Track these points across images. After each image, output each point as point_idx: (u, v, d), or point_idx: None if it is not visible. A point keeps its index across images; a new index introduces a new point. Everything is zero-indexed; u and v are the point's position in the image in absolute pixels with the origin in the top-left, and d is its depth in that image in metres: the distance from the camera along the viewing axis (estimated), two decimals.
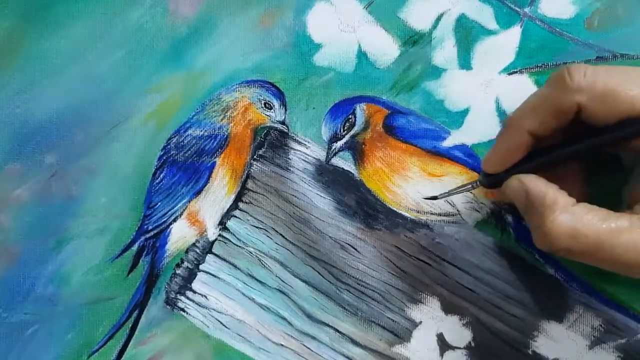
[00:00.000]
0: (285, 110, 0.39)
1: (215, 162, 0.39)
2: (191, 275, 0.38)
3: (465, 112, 0.38)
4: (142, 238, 0.39)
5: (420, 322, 0.36)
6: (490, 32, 0.39)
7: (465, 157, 0.38)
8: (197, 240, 0.39)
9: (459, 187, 0.35)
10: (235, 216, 0.39)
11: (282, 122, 0.39)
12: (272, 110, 0.39)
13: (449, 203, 0.37)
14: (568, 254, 0.30)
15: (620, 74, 0.30)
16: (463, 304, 0.36)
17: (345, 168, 0.39)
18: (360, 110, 0.38)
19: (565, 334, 0.35)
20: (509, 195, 0.33)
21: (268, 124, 0.39)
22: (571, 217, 0.29)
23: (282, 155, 0.39)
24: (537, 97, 0.32)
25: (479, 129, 0.38)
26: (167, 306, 0.38)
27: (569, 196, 0.30)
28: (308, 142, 0.39)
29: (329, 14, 0.40)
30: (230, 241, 0.38)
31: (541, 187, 0.31)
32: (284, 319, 0.37)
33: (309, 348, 0.37)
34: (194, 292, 0.38)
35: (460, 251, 0.37)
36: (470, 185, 0.35)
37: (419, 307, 0.36)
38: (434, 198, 0.36)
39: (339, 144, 0.38)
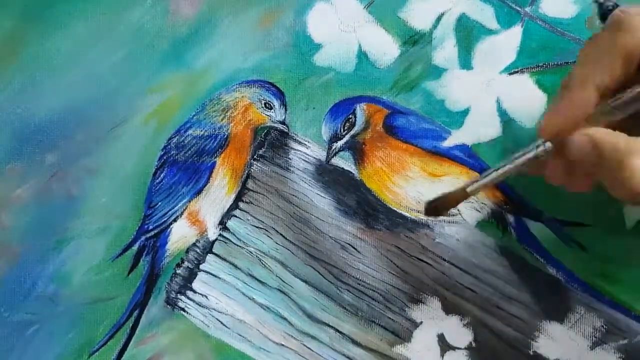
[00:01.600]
0: (286, 110, 0.39)
1: (215, 162, 0.39)
2: (191, 275, 0.38)
3: (465, 112, 0.38)
4: (143, 238, 0.39)
5: (421, 323, 0.36)
6: (491, 32, 0.39)
7: (466, 157, 0.37)
8: (197, 240, 0.39)
9: (520, 158, 0.31)
10: (236, 216, 0.39)
11: (283, 122, 0.39)
12: (272, 110, 0.39)
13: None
14: None
15: None
16: (464, 304, 0.36)
17: (346, 168, 0.39)
18: (361, 110, 0.38)
19: (566, 334, 0.35)
20: (574, 153, 0.30)
21: (268, 124, 0.40)
22: None
23: (282, 155, 0.39)
24: (598, 47, 0.29)
25: (479, 129, 0.38)
26: (168, 306, 0.38)
27: None
28: (308, 142, 0.39)
29: (329, 14, 0.40)
30: (231, 241, 0.38)
31: (611, 136, 0.29)
32: (284, 318, 0.37)
33: (309, 348, 0.37)
34: (195, 291, 0.38)
35: (460, 251, 0.37)
36: (534, 152, 0.31)
37: (419, 307, 0.36)
38: (466, 196, 0.32)
39: (339, 143, 0.38)
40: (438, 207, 0.33)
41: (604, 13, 0.34)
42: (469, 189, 0.32)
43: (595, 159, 0.29)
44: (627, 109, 0.30)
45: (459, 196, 0.32)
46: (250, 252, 0.38)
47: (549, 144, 0.31)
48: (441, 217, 0.37)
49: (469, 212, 0.37)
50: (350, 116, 0.38)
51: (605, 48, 0.29)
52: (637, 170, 0.27)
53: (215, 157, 0.39)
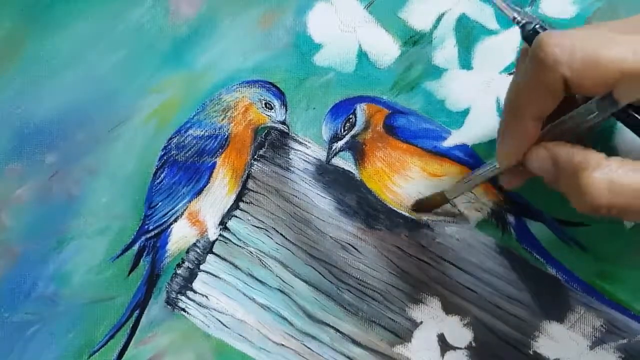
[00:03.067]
0: (286, 110, 0.39)
1: (215, 162, 0.39)
2: (192, 275, 0.38)
3: (465, 112, 0.38)
4: (143, 238, 0.39)
5: (421, 322, 0.36)
6: (491, 32, 0.39)
7: (466, 157, 0.37)
8: (197, 240, 0.39)
9: (484, 174, 0.34)
10: (236, 216, 0.39)
11: (283, 122, 0.39)
12: (272, 111, 0.39)
13: (450, 203, 0.37)
14: (611, 211, 0.28)
15: (598, 35, 0.27)
16: (464, 304, 0.36)
17: (346, 168, 0.39)
18: (361, 110, 0.38)
19: (566, 334, 0.35)
20: (533, 167, 0.31)
21: (269, 124, 0.40)
22: (608, 171, 0.28)
23: (282, 155, 0.39)
24: (522, 80, 0.30)
25: (479, 129, 0.38)
26: (168, 306, 0.38)
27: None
28: (308, 142, 0.39)
29: (329, 14, 0.40)
30: (231, 241, 0.38)
31: (568, 149, 0.29)
32: (285, 319, 0.37)
33: (309, 348, 0.37)
34: (195, 292, 0.38)
35: (461, 251, 0.37)
36: (489, 169, 0.33)
37: (419, 307, 0.36)
38: (445, 201, 0.36)
39: (340, 144, 0.38)
40: (419, 209, 0.37)
41: (526, 37, 0.32)
42: (446, 194, 0.35)
43: (552, 174, 0.30)
44: (563, 136, 0.30)
45: (439, 199, 0.36)
46: (251, 252, 0.38)
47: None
48: (442, 217, 0.37)
49: (469, 212, 0.37)
50: (351, 116, 0.38)
51: (530, 84, 0.29)
52: (592, 185, 0.28)
53: (216, 157, 0.39)
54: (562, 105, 0.30)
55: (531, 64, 0.29)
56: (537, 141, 0.31)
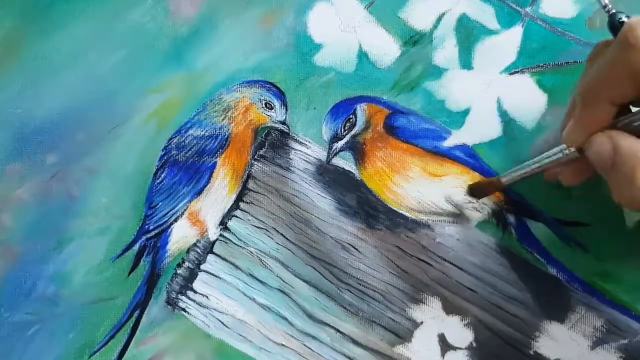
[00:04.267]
0: (286, 110, 0.39)
1: (216, 162, 0.39)
2: (192, 275, 0.38)
3: (466, 112, 0.38)
4: (143, 238, 0.39)
5: (422, 323, 0.36)
6: (491, 32, 0.39)
7: (466, 157, 0.37)
8: (198, 240, 0.39)
9: (547, 159, 0.33)
10: (236, 216, 0.39)
11: (283, 122, 0.39)
12: (272, 111, 0.39)
13: (450, 203, 0.37)
14: None
15: None
16: (464, 304, 0.36)
17: (346, 168, 0.39)
18: (361, 110, 0.38)
19: (567, 334, 0.35)
20: (593, 152, 0.30)
21: (269, 124, 0.39)
22: None
23: (283, 155, 0.39)
24: (607, 63, 0.30)
25: (479, 129, 0.38)
26: (168, 306, 0.38)
27: None
28: (309, 142, 0.39)
29: (330, 14, 0.40)
30: (231, 241, 0.38)
31: (633, 142, 0.29)
32: (285, 319, 0.37)
33: (310, 348, 0.37)
34: (195, 292, 0.38)
35: (461, 251, 0.37)
36: (560, 155, 0.33)
37: (420, 307, 0.36)
38: (500, 187, 0.35)
39: (340, 144, 0.38)
40: (474, 192, 0.37)
41: (614, 26, 0.33)
42: (503, 180, 0.35)
43: (611, 162, 0.30)
44: (633, 130, 0.30)
45: (496, 185, 0.36)
46: (251, 252, 0.38)
47: (573, 150, 0.32)
48: (442, 217, 0.37)
49: (470, 212, 0.37)
50: (351, 116, 0.38)
51: (614, 66, 0.29)
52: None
53: (216, 157, 0.39)
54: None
55: (618, 48, 0.29)
56: (603, 130, 0.30)
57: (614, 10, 0.33)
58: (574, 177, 0.34)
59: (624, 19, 0.33)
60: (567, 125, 0.32)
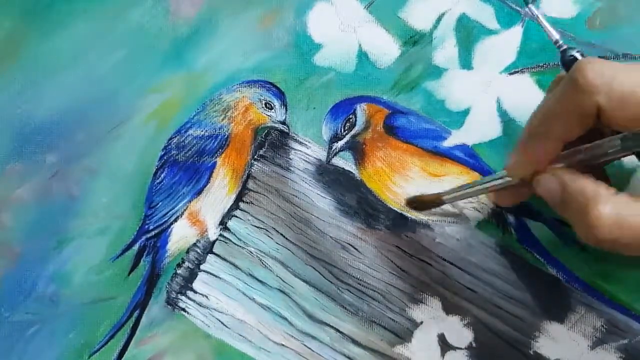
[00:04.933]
0: (286, 110, 0.39)
1: (216, 162, 0.39)
2: (192, 275, 0.38)
3: (466, 112, 0.38)
4: (143, 238, 0.39)
5: (421, 322, 0.36)
6: (491, 32, 0.39)
7: (466, 157, 0.37)
8: (198, 240, 0.39)
9: (489, 184, 0.34)
10: (236, 216, 0.39)
11: (283, 122, 0.39)
12: (272, 110, 0.39)
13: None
14: (615, 245, 0.28)
15: (638, 70, 0.28)
16: (464, 304, 0.36)
17: (346, 168, 0.39)
18: (361, 110, 0.38)
19: (566, 334, 0.35)
20: (541, 190, 0.31)
21: (269, 124, 0.40)
22: (616, 207, 0.28)
23: (282, 155, 0.39)
24: (555, 100, 0.30)
25: (479, 129, 0.38)
26: (168, 306, 0.38)
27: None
28: (309, 142, 0.39)
29: (330, 14, 0.40)
30: (231, 241, 0.38)
31: (580, 180, 0.29)
32: (285, 319, 0.37)
33: (309, 348, 0.37)
34: (195, 292, 0.38)
35: (461, 251, 0.37)
36: (499, 181, 0.33)
37: (420, 307, 0.36)
38: (441, 202, 0.35)
39: (340, 144, 0.38)
40: (416, 206, 0.37)
41: (566, 62, 0.33)
42: (445, 198, 0.35)
43: (559, 201, 0.30)
44: (580, 164, 0.31)
45: (435, 200, 0.36)
46: (251, 252, 0.38)
47: (515, 180, 0.32)
48: (442, 217, 0.37)
49: (470, 212, 0.37)
50: (351, 116, 0.38)
51: (562, 105, 0.29)
52: (600, 218, 0.28)
53: (216, 157, 0.39)
54: (586, 136, 0.30)
55: (568, 87, 0.29)
56: (552, 163, 0.31)
57: (565, 46, 0.34)
58: (510, 200, 0.34)
59: (576, 55, 0.33)
60: (512, 157, 0.32)
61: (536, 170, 0.31)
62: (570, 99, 0.29)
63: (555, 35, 0.34)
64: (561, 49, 0.34)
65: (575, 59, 0.33)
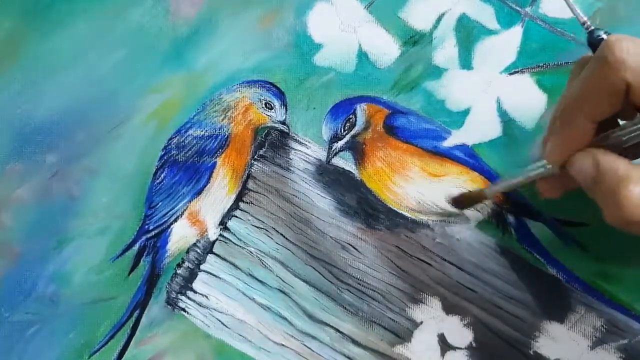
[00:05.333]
0: (286, 110, 0.39)
1: (216, 162, 0.39)
2: (192, 275, 0.38)
3: (466, 112, 0.38)
4: (143, 238, 0.39)
5: (421, 322, 0.36)
6: (491, 32, 0.39)
7: (466, 157, 0.37)
8: (198, 240, 0.39)
9: (530, 173, 0.33)
10: (236, 216, 0.39)
11: (283, 122, 0.39)
12: (272, 111, 0.39)
13: (450, 203, 0.37)
14: None
15: None
16: (464, 304, 0.36)
17: (346, 168, 0.39)
18: (361, 110, 0.38)
19: (566, 334, 0.35)
20: (575, 171, 0.31)
21: (269, 124, 0.40)
22: None
23: (282, 155, 0.39)
24: (584, 79, 0.30)
25: (479, 129, 0.38)
26: (168, 306, 0.38)
27: None
28: (308, 142, 0.39)
29: (330, 14, 0.40)
30: (231, 241, 0.38)
31: (613, 160, 0.29)
32: (285, 319, 0.37)
33: (309, 348, 0.37)
34: (195, 292, 0.38)
35: (461, 251, 0.37)
36: (542, 170, 0.33)
37: (419, 307, 0.36)
38: (484, 198, 0.36)
39: (340, 144, 0.38)
40: (462, 204, 0.37)
41: (593, 42, 0.33)
42: (486, 192, 0.35)
43: (594, 180, 0.30)
44: (615, 147, 0.30)
45: (480, 196, 0.36)
46: (251, 252, 0.38)
47: (555, 167, 0.32)
48: (442, 217, 0.37)
49: (470, 212, 0.37)
50: (351, 116, 0.38)
51: (592, 84, 0.29)
52: (631, 198, 0.28)
53: (216, 157, 0.39)
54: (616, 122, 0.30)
55: (596, 65, 0.29)
56: (586, 147, 0.31)
57: (592, 27, 0.34)
58: (555, 190, 0.34)
59: (603, 35, 0.33)
60: (548, 143, 0.32)
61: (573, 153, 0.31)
62: (600, 77, 0.29)
63: (583, 17, 0.34)
64: (589, 30, 0.34)
65: (602, 39, 0.33)
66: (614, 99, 0.29)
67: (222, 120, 0.39)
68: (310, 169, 0.39)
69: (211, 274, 0.38)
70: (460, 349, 0.36)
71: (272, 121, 0.39)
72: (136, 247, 0.39)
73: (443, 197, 0.37)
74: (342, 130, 0.38)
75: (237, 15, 0.41)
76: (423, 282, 0.37)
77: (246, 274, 0.38)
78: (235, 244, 0.38)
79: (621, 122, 0.31)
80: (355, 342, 0.36)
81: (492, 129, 0.38)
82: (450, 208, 0.37)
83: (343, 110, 0.39)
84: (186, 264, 0.38)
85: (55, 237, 0.39)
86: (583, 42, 0.38)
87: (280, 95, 0.39)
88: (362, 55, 0.40)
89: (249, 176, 0.39)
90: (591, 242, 0.36)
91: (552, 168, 0.32)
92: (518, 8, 0.39)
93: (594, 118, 0.30)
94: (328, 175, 0.39)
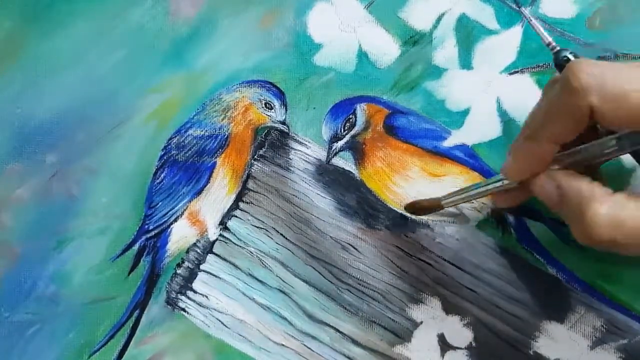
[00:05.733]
0: (286, 110, 0.39)
1: (215, 162, 0.39)
2: (192, 275, 0.38)
3: (465, 112, 0.38)
4: (143, 238, 0.39)
5: (421, 322, 0.36)
6: (491, 32, 0.39)
7: (466, 157, 0.37)
8: (197, 240, 0.39)
9: (488, 187, 0.34)
10: (236, 216, 0.39)
11: (283, 122, 0.39)
12: (272, 110, 0.39)
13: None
14: (611, 245, 0.28)
15: (631, 70, 0.28)
16: (464, 304, 0.36)
17: (346, 168, 0.39)
18: (361, 110, 0.38)
19: (566, 334, 0.35)
20: (538, 192, 0.31)
21: (269, 124, 0.40)
22: (612, 207, 0.28)
23: (282, 155, 0.39)
24: (549, 103, 0.30)
25: (479, 129, 0.38)
26: (168, 306, 0.38)
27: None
28: (308, 142, 0.39)
29: (330, 14, 0.40)
30: (231, 241, 0.38)
31: (575, 181, 0.29)
32: (285, 318, 0.37)
33: (309, 348, 0.37)
34: (195, 292, 0.38)
35: (461, 251, 0.37)
36: (497, 184, 0.33)
37: (419, 307, 0.36)
38: (439, 208, 0.35)
39: (340, 144, 0.38)
40: (415, 211, 0.37)
41: (559, 63, 0.34)
42: (442, 201, 0.35)
43: (556, 203, 0.30)
44: (576, 165, 0.31)
45: (433, 205, 0.36)
46: (251, 252, 0.38)
47: (512, 183, 0.33)
48: (442, 217, 0.37)
49: (469, 212, 0.37)
50: (351, 116, 0.38)
51: (556, 106, 0.29)
52: (596, 218, 0.28)
53: (216, 157, 0.39)
54: (582, 136, 0.30)
55: (560, 88, 0.29)
56: (550, 164, 0.31)
57: (558, 48, 0.34)
58: (510, 201, 0.34)
59: (569, 56, 0.33)
60: (509, 158, 0.32)
61: (533, 173, 0.31)
62: (563, 100, 0.29)
63: (548, 38, 0.34)
64: (554, 51, 0.34)
65: (568, 60, 0.33)
66: (579, 122, 0.29)
67: (222, 120, 0.39)
68: (310, 169, 0.39)
69: (211, 274, 0.38)
70: (460, 349, 0.36)
71: (272, 121, 0.39)
72: (136, 247, 0.39)
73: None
74: (342, 130, 0.38)
75: (237, 15, 0.41)
76: (423, 282, 0.37)
77: (246, 274, 0.38)
78: (235, 244, 0.38)
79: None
80: (355, 342, 0.36)
81: (492, 129, 0.38)
82: (451, 208, 0.37)
83: (343, 110, 0.39)
84: (186, 264, 0.38)
85: (55, 237, 0.39)
86: (584, 42, 0.38)
87: (280, 95, 0.39)
88: (362, 55, 0.40)
89: (249, 176, 0.39)
90: None
91: (510, 184, 0.32)
92: (518, 8, 0.39)
93: (557, 140, 0.30)
94: (328, 175, 0.39)
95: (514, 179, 0.32)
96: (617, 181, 0.36)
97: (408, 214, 0.37)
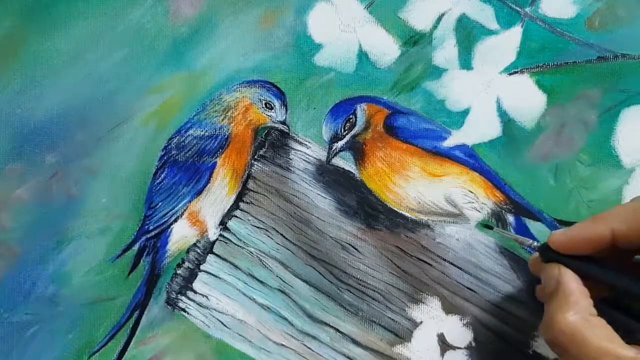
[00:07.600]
0: (286, 110, 0.39)
1: (216, 162, 0.39)
2: (192, 275, 0.38)
3: (466, 112, 0.38)
4: (143, 238, 0.39)
5: (421, 322, 0.36)
6: (491, 32, 0.39)
7: (466, 157, 0.38)
8: (198, 240, 0.39)
9: (516, 237, 0.34)
10: (236, 216, 0.39)
11: (283, 122, 0.39)
12: (272, 111, 0.39)
13: (450, 203, 0.37)
14: (562, 352, 0.29)
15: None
16: (464, 304, 0.36)
17: (346, 168, 0.39)
18: (361, 110, 0.38)
19: None
20: (542, 276, 0.32)
21: (269, 124, 0.40)
22: (583, 323, 0.29)
23: (282, 155, 0.39)
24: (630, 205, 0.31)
25: (479, 129, 0.38)
26: (168, 306, 0.38)
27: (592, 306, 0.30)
28: (309, 142, 0.39)
29: (330, 14, 0.40)
30: (231, 241, 0.38)
31: (573, 285, 0.30)
32: (285, 319, 0.37)
33: (309, 348, 0.37)
34: (195, 292, 0.38)
35: (461, 251, 0.37)
36: (528, 243, 0.34)
37: (419, 307, 0.36)
38: (489, 227, 0.35)
39: (340, 144, 0.38)
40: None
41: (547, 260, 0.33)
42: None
43: (549, 292, 0.31)
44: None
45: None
46: (251, 252, 0.38)
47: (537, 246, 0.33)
48: (442, 217, 0.37)
49: (469, 212, 0.37)
50: (351, 116, 0.38)
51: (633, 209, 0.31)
52: (564, 324, 0.29)
53: (216, 157, 0.39)
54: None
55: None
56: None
57: (537, 244, 0.33)
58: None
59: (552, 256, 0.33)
60: (561, 231, 0.32)
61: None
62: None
63: (529, 240, 0.34)
64: (535, 249, 0.33)
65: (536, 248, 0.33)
66: None
67: (222, 120, 0.39)
68: (310, 169, 0.39)
69: (211, 274, 0.38)
70: (460, 348, 0.36)
71: (272, 121, 0.39)
72: (136, 247, 0.39)
73: (443, 197, 0.37)
74: (342, 130, 0.38)
75: (237, 15, 0.41)
76: (423, 282, 0.37)
77: (246, 274, 0.38)
78: (235, 244, 0.38)
79: None
80: (355, 342, 0.36)
81: (492, 129, 0.38)
82: (451, 208, 0.37)
83: (343, 110, 0.39)
84: (186, 264, 0.38)
85: (55, 237, 0.39)
86: (583, 42, 0.38)
87: (281, 95, 0.39)
88: (362, 56, 0.40)
89: (249, 176, 0.39)
90: None
91: (538, 249, 0.33)
92: (518, 8, 0.39)
93: (621, 230, 0.30)
94: (328, 175, 0.39)
95: (555, 246, 0.32)
96: (616, 181, 0.36)
97: (407, 213, 0.37)
